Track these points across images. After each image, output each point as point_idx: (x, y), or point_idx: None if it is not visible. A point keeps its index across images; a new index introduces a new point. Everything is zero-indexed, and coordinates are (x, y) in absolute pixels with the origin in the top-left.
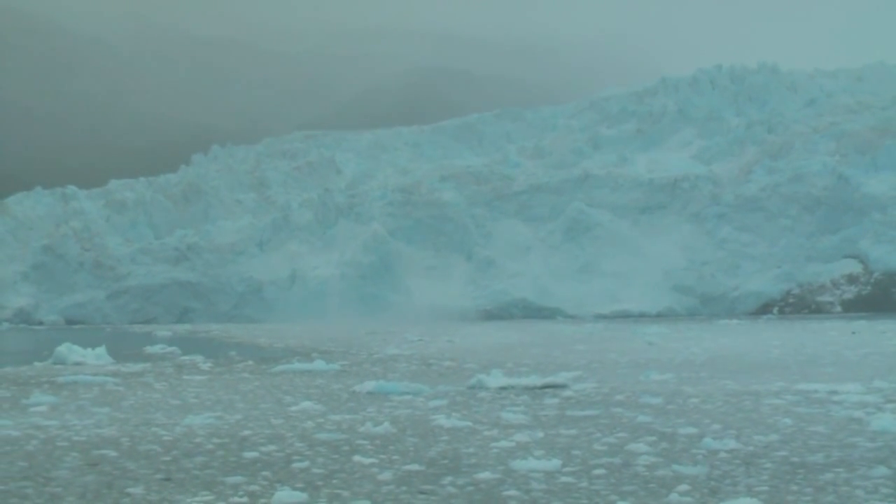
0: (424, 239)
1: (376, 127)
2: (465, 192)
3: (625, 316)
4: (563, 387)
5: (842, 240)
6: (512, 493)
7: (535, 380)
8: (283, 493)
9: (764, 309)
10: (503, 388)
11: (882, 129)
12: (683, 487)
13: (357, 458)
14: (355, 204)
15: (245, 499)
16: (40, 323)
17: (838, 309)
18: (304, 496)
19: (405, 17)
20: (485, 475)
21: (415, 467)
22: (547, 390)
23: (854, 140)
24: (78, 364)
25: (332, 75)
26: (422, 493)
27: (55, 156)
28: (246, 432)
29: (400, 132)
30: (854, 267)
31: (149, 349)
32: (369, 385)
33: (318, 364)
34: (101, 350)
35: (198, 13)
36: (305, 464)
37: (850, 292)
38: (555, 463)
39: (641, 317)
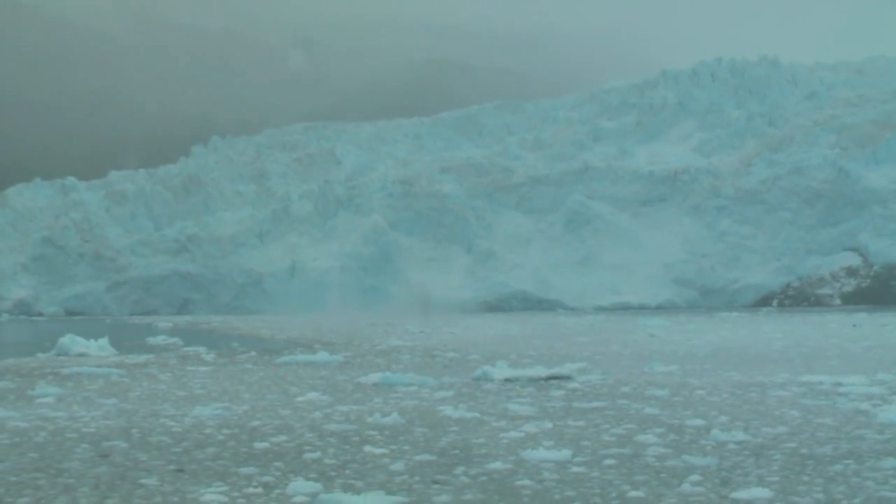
0: (424, 231)
1: (376, 119)
2: (465, 183)
3: (625, 308)
4: (568, 378)
5: (841, 233)
6: (525, 482)
7: (540, 371)
8: (298, 484)
9: (763, 301)
10: (508, 380)
11: (882, 122)
12: (695, 478)
13: (368, 448)
14: (355, 196)
15: (259, 489)
16: (40, 314)
17: (838, 302)
18: (318, 486)
19: (406, 10)
20: (496, 465)
21: (426, 457)
22: (552, 382)
23: (854, 133)
24: (81, 355)
25: (332, 67)
26: (435, 482)
27: (55, 147)
28: (255, 423)
29: (400, 124)
30: (854, 260)
31: (151, 340)
32: (374, 376)
33: (322, 355)
34: (104, 341)
35: (198, 5)
36: (317, 454)
37: (849, 285)
38: (565, 453)
39: (641, 309)
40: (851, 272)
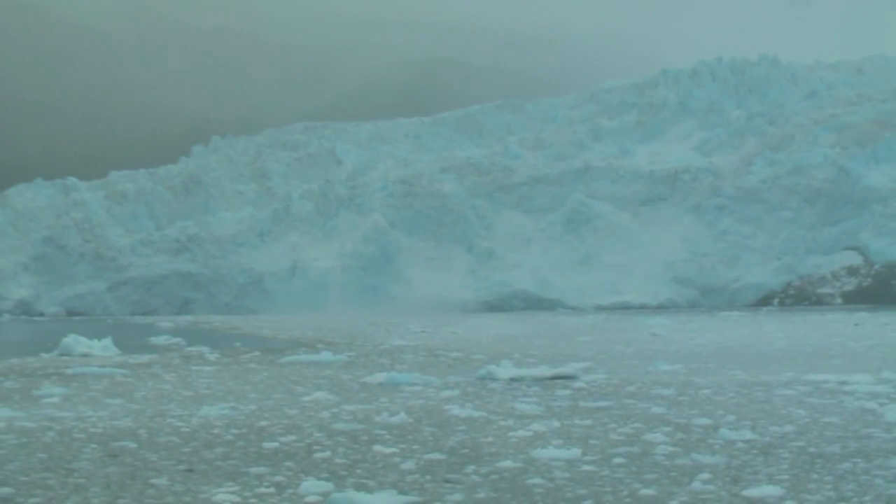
0: (425, 230)
1: (377, 118)
2: (465, 183)
3: (625, 307)
4: (572, 378)
5: (842, 232)
6: (536, 481)
7: (545, 371)
8: (310, 483)
9: (764, 301)
10: (513, 380)
11: (882, 121)
12: (705, 476)
13: (377, 447)
14: (356, 195)
15: (271, 489)
16: (41, 314)
17: (839, 301)
18: (330, 486)
19: (406, 8)
20: (507, 463)
21: (436, 456)
22: (557, 381)
23: (854, 132)
24: (85, 355)
25: (332, 66)
26: (447, 481)
27: (56, 147)
28: (263, 423)
29: (400, 123)
30: (854, 259)
31: (153, 340)
32: (379, 376)
33: (325, 355)
34: (108, 341)
35: (198, 5)
36: (327, 454)
37: (850, 284)
38: (574, 452)
39: (642, 308)
40: (852, 271)
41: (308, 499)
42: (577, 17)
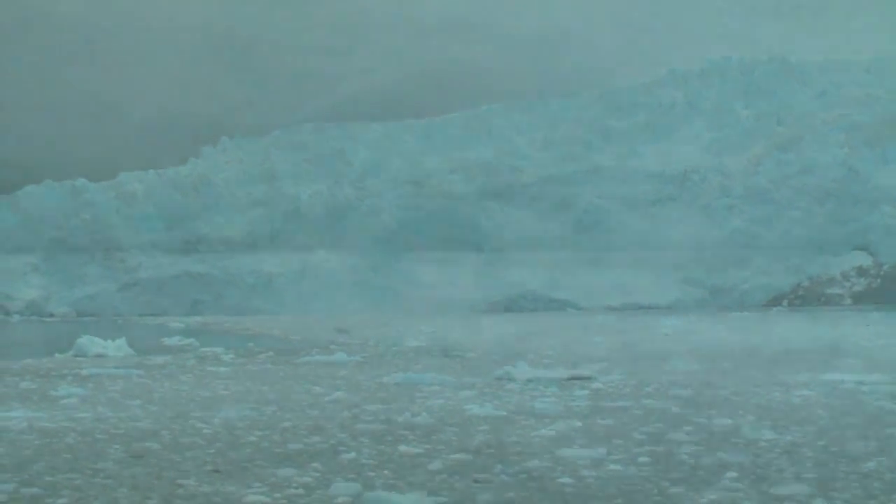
0: (434, 231)
1: (386, 119)
2: (474, 183)
3: (635, 308)
4: (590, 379)
5: (851, 232)
6: (566, 480)
7: (562, 371)
8: (340, 485)
9: (773, 301)
10: (530, 380)
11: (891, 121)
12: (732, 474)
13: (403, 447)
14: (365, 196)
15: (301, 490)
16: (51, 315)
17: (848, 301)
18: (359, 487)
19: (414, 9)
20: (534, 463)
21: (462, 456)
22: (575, 382)
23: (864, 132)
24: (99, 356)
25: (341, 67)
26: (476, 481)
27: (65, 149)
28: (285, 424)
29: (410, 124)
30: (864, 259)
31: (166, 341)
32: (396, 376)
33: (340, 356)
34: (122, 342)
35: (207, 5)
36: (353, 454)
37: (859, 284)
38: (600, 451)
39: (651, 308)
40: (861, 272)
41: (339, 500)
42: (585, 18)
